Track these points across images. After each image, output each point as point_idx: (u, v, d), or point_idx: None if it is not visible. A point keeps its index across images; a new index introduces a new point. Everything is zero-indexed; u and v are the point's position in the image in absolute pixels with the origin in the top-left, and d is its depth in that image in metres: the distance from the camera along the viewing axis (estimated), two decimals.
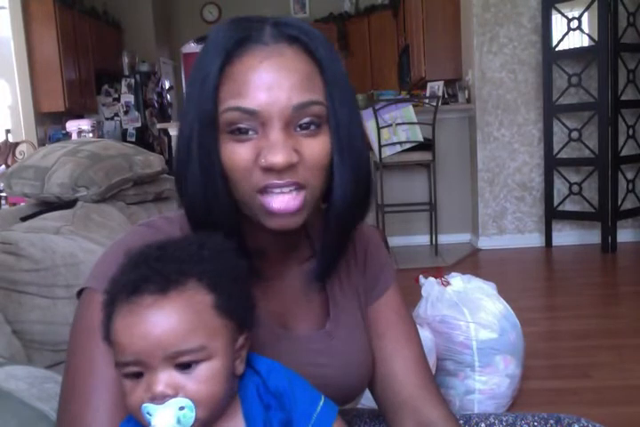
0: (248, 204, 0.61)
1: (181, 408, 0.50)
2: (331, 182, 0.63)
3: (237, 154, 0.59)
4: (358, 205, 0.66)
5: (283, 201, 0.59)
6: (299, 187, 0.59)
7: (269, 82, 0.58)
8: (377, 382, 0.76)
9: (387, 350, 0.76)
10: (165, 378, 0.50)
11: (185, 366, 0.51)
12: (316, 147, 0.60)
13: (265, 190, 0.59)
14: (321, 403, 0.58)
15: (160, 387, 0.50)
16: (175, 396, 0.50)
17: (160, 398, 0.50)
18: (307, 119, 0.60)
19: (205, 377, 0.51)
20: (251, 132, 0.59)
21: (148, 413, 0.50)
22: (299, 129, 0.60)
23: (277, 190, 0.59)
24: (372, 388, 0.78)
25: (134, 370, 0.51)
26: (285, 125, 0.59)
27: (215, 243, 0.57)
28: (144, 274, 0.52)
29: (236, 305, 0.54)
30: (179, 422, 0.49)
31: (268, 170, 0.58)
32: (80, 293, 0.65)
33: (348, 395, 0.74)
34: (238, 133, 0.59)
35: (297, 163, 0.59)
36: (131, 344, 0.50)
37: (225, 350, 0.53)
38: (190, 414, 0.50)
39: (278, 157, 0.57)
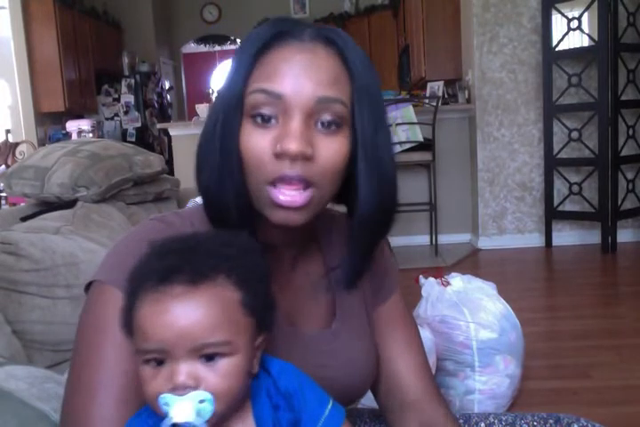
0: (256, 195, 0.61)
1: (201, 401, 0.49)
2: (355, 193, 0.64)
3: (255, 140, 0.60)
4: (383, 217, 0.66)
5: (290, 195, 0.59)
6: (307, 184, 0.60)
7: (299, 72, 0.60)
8: (381, 384, 0.77)
9: (391, 352, 0.77)
10: (188, 369, 0.50)
11: (208, 359, 0.51)
12: (333, 147, 0.61)
13: (275, 184, 0.59)
14: (329, 406, 0.57)
15: (182, 378, 0.50)
16: (196, 388, 0.50)
17: (181, 389, 0.50)
18: (329, 117, 0.61)
19: (227, 372, 0.52)
20: (272, 121, 0.60)
21: (165, 403, 0.49)
22: (319, 126, 0.61)
23: (287, 186, 0.59)
24: (375, 389, 0.78)
25: (156, 357, 0.51)
26: (307, 117, 0.60)
27: (242, 242, 0.58)
28: (175, 264, 0.53)
29: (259, 305, 0.55)
30: (198, 415, 0.49)
31: (282, 157, 0.58)
32: (88, 286, 0.65)
33: (351, 395, 0.75)
34: (260, 120, 0.60)
35: (311, 157, 0.59)
36: (157, 332, 0.50)
37: (247, 347, 0.53)
38: (209, 408, 0.50)
39: (293, 145, 0.57)
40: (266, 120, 0.60)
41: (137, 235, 0.66)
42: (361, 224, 0.65)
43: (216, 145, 0.62)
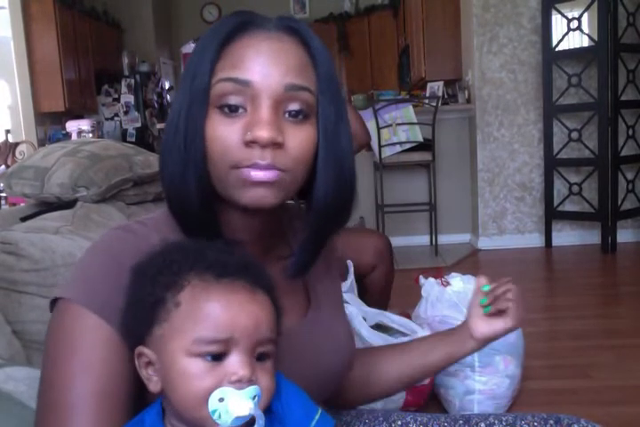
0: (224, 179, 0.60)
1: (253, 397, 0.49)
2: (313, 180, 0.63)
3: (222, 130, 0.59)
4: (340, 207, 0.65)
5: (260, 172, 0.58)
6: (278, 170, 0.59)
7: (266, 59, 0.59)
8: None
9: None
10: (252, 364, 0.51)
11: (259, 358, 0.52)
12: (301, 136, 0.61)
13: (244, 169, 0.59)
14: (317, 417, 0.57)
15: (249, 371, 0.50)
16: (255, 384, 0.50)
17: (245, 383, 0.49)
18: (296, 106, 0.60)
19: (271, 372, 0.53)
20: (240, 110, 0.59)
21: (221, 398, 0.48)
22: (287, 115, 0.60)
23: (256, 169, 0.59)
24: None
25: (216, 350, 0.50)
26: (276, 104, 0.59)
27: (259, 263, 0.60)
28: (240, 263, 0.55)
29: (279, 319, 0.57)
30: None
31: (252, 145, 0.58)
32: (54, 302, 0.61)
33: (342, 375, 0.76)
34: (227, 110, 0.59)
35: (281, 144, 0.58)
36: (232, 321, 0.51)
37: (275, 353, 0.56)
38: (257, 405, 0.50)
39: (264, 132, 0.57)
40: (233, 110, 0.59)
41: (101, 246, 0.63)
42: (317, 212, 0.64)
43: (180, 138, 0.60)
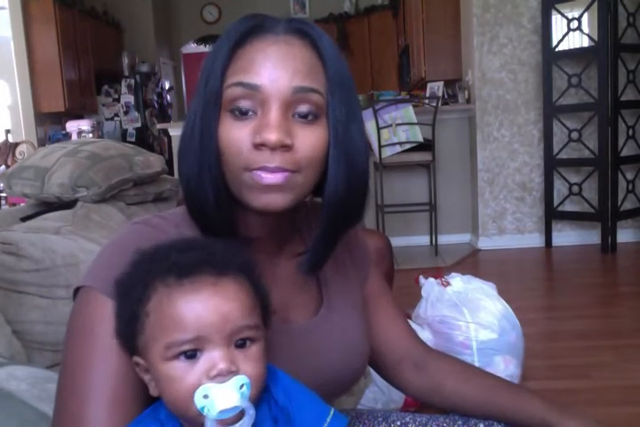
0: (237, 181, 0.62)
1: (241, 386, 0.50)
2: (326, 178, 0.64)
3: (234, 133, 0.60)
4: (352, 204, 0.66)
5: (270, 174, 0.60)
6: (288, 172, 0.60)
7: (274, 62, 0.61)
8: (373, 351, 0.80)
9: (382, 320, 0.82)
10: (228, 355, 0.51)
11: (241, 345, 0.52)
12: (312, 137, 0.61)
13: (254, 171, 0.60)
14: (329, 418, 0.57)
15: (226, 363, 0.50)
16: (237, 373, 0.51)
17: (224, 375, 0.50)
18: (306, 108, 0.61)
19: (258, 356, 0.53)
20: (250, 113, 0.61)
21: (205, 395, 0.49)
22: (297, 117, 0.61)
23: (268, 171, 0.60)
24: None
25: (190, 349, 0.51)
26: (285, 106, 0.60)
27: (233, 244, 0.60)
28: (199, 258, 0.54)
29: (263, 299, 0.57)
30: (241, 397, 0.50)
31: (261, 147, 0.59)
32: (76, 291, 0.64)
33: (353, 376, 0.76)
34: (238, 113, 0.61)
35: (290, 147, 0.60)
36: (199, 320, 0.51)
37: (264, 335, 0.55)
38: (247, 393, 0.50)
39: (272, 135, 0.58)
40: (244, 113, 0.61)
41: (124, 239, 0.65)
42: (328, 209, 0.65)
43: (195, 140, 0.62)
